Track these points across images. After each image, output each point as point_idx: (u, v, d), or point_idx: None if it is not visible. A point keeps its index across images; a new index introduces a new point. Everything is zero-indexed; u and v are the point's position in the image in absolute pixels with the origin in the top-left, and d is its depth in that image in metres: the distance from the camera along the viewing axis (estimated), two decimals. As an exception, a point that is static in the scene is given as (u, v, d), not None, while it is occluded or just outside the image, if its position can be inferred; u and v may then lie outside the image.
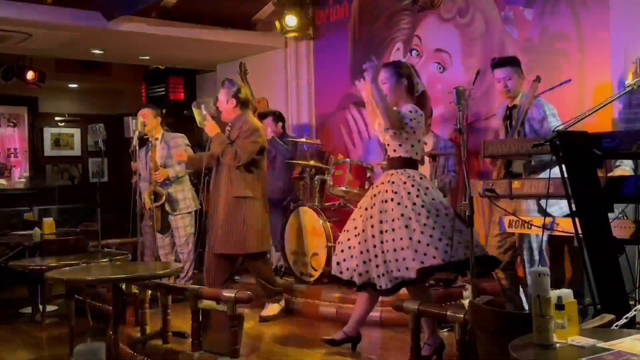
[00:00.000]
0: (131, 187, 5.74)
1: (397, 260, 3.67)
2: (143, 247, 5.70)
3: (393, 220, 3.73)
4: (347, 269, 3.91)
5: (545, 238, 3.89)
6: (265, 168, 5.09)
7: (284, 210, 6.03)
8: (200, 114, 4.82)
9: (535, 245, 4.15)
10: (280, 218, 5.91)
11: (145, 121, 5.52)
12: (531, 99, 4.19)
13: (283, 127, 6.35)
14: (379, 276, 3.72)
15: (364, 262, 3.81)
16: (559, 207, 3.71)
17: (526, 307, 4.20)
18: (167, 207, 5.62)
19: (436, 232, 3.65)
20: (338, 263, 3.98)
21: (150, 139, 5.66)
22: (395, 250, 3.68)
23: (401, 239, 3.67)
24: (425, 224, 3.66)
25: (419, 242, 3.63)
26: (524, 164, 4.02)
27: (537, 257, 4.08)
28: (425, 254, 3.61)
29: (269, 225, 5.03)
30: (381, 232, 3.76)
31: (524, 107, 4.24)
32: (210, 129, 4.74)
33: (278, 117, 6.30)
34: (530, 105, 4.20)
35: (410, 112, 3.86)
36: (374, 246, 3.76)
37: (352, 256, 3.90)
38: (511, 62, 4.38)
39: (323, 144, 6.70)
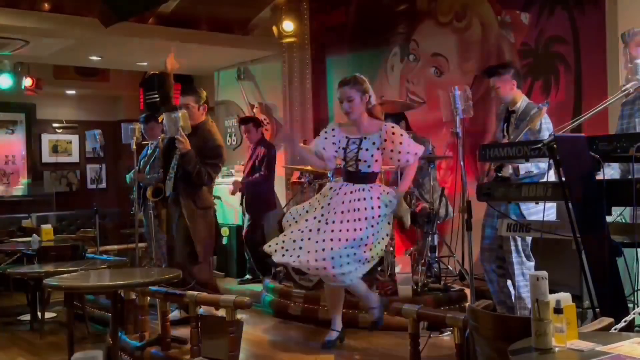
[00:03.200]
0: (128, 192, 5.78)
1: None
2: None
3: None
4: None
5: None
6: None
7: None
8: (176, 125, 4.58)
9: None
10: (277, 221, 5.91)
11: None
12: (536, 122, 4.02)
13: (262, 132, 6.78)
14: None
15: None
16: None
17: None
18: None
19: None
20: None
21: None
22: None
23: None
24: None
25: None
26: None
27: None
28: None
29: None
30: None
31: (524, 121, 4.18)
32: (186, 145, 4.62)
33: (258, 123, 6.75)
34: (535, 127, 4.06)
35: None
36: None
37: None
38: (496, 72, 4.27)
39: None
